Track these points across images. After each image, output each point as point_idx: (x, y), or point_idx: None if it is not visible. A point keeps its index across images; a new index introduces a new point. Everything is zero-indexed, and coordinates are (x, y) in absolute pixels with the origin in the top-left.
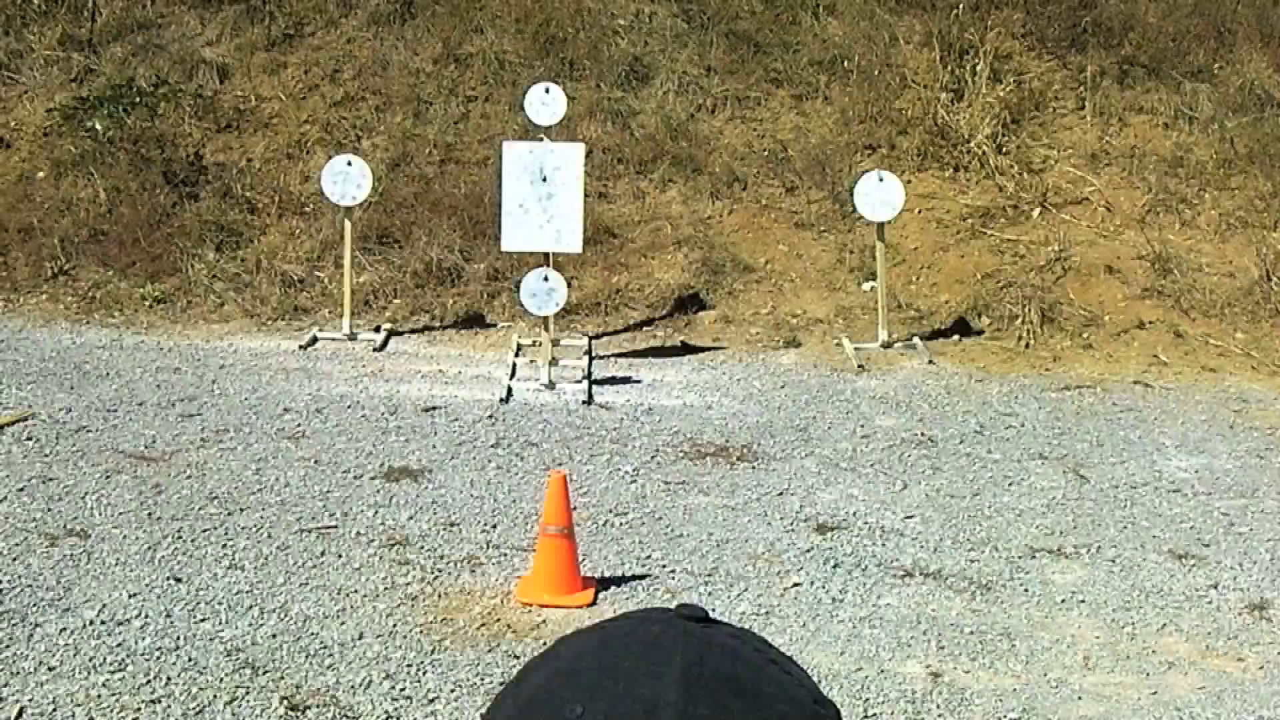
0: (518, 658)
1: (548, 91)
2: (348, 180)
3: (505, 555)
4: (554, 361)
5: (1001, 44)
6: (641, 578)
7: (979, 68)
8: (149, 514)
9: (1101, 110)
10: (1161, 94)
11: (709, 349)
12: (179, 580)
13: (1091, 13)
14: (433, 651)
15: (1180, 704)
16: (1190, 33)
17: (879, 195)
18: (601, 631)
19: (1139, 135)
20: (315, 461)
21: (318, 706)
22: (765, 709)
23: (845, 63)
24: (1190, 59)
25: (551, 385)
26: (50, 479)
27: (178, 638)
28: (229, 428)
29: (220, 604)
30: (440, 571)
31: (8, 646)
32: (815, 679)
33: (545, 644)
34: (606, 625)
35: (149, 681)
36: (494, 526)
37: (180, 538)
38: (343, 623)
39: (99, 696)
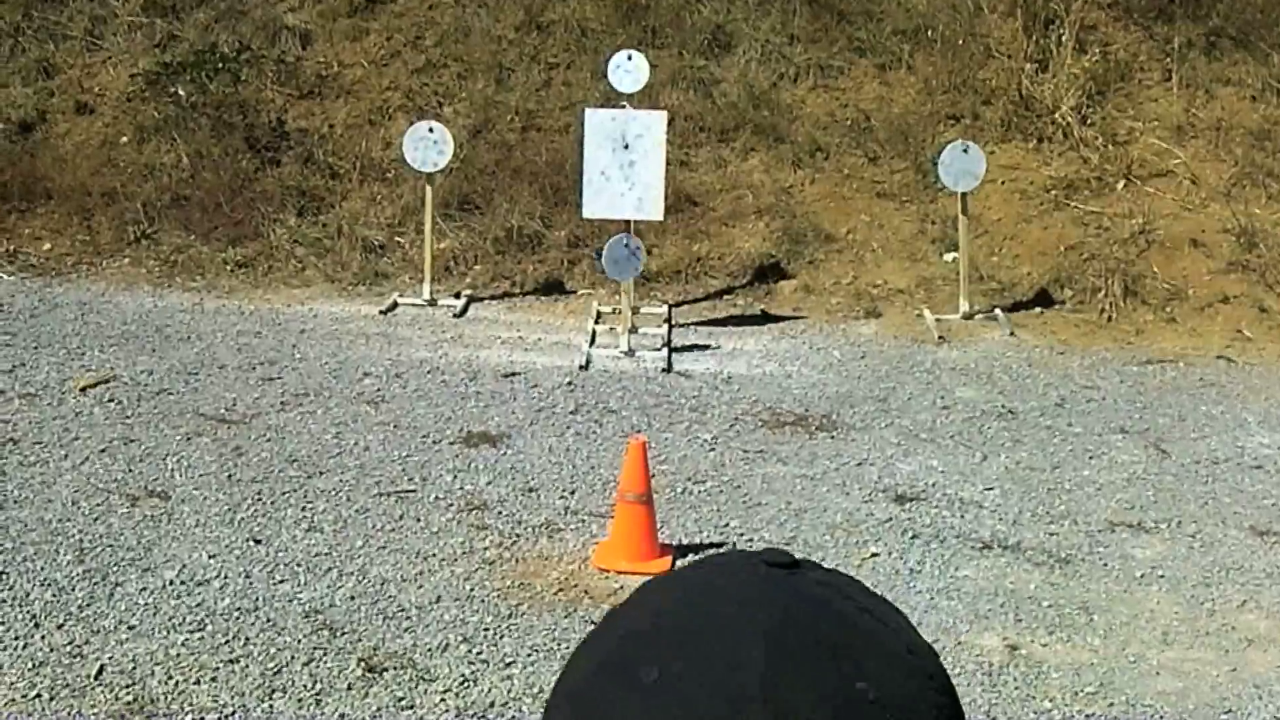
0: (594, 623)
1: (630, 59)
2: (429, 146)
3: (583, 521)
4: (634, 329)
5: (1087, 14)
6: (719, 545)
7: (1064, 38)
8: (229, 476)
9: (1188, 82)
10: (1249, 66)
11: (789, 318)
12: (258, 542)
13: None
14: (510, 616)
15: (1259, 681)
16: (1279, 4)
17: (962, 165)
18: (683, 584)
19: (1226, 107)
20: (394, 426)
21: (395, 669)
22: (854, 667)
23: (929, 32)
24: (1279, 30)
25: (631, 353)
26: (131, 440)
27: (257, 599)
28: (309, 392)
29: (299, 566)
30: (518, 537)
31: (89, 605)
32: None
33: None
34: (688, 576)
35: (228, 641)
36: (572, 492)
37: (260, 500)
38: (420, 586)
39: (178, 656)
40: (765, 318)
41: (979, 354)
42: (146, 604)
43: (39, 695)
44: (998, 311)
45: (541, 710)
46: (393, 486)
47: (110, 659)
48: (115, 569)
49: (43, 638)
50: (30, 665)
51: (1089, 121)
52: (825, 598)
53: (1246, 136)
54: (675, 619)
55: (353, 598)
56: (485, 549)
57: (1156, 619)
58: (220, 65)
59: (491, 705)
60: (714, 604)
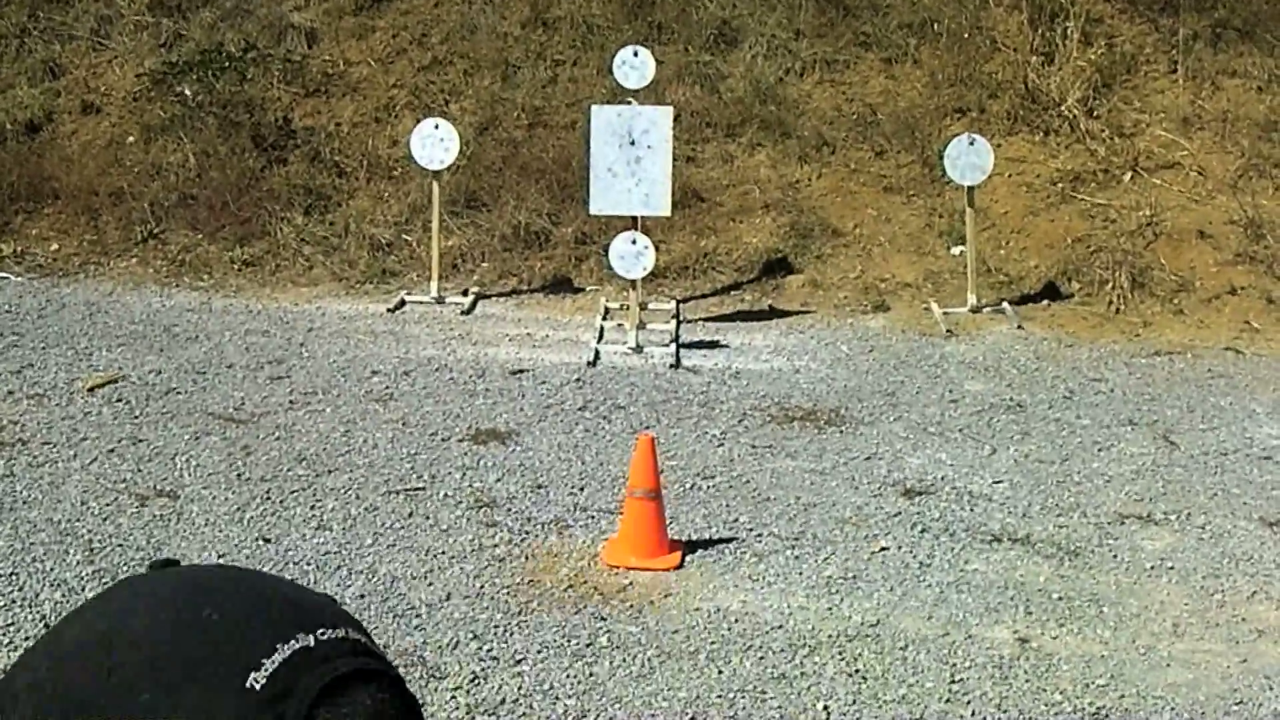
0: (604, 619)
1: (636, 55)
2: (436, 144)
3: (592, 518)
4: (641, 325)
5: (1093, 6)
6: (728, 541)
7: (1070, 30)
8: (238, 475)
9: (1194, 74)
10: (1255, 57)
11: (797, 313)
12: (267, 541)
13: None
14: (520, 613)
15: (1270, 672)
16: None
17: (969, 159)
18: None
19: (1232, 99)
20: (403, 424)
21: (405, 666)
22: (203, 598)
23: (935, 26)
24: None
25: (639, 349)
26: (140, 440)
27: None
28: (317, 390)
29: (308, 564)
30: (527, 534)
31: None
32: (903, 644)
33: (631, 606)
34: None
35: None
36: (581, 489)
37: (269, 499)
38: (430, 584)
39: None
40: (773, 313)
41: (987, 347)
42: None
43: None
44: (1005, 304)
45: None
46: (402, 484)
47: None
48: (125, 569)
49: None
50: None
51: (1095, 114)
52: (195, 572)
53: (1253, 128)
54: (65, 625)
55: (362, 596)
56: (495, 546)
57: (1167, 610)
58: (226, 64)
59: (502, 702)
60: (89, 605)
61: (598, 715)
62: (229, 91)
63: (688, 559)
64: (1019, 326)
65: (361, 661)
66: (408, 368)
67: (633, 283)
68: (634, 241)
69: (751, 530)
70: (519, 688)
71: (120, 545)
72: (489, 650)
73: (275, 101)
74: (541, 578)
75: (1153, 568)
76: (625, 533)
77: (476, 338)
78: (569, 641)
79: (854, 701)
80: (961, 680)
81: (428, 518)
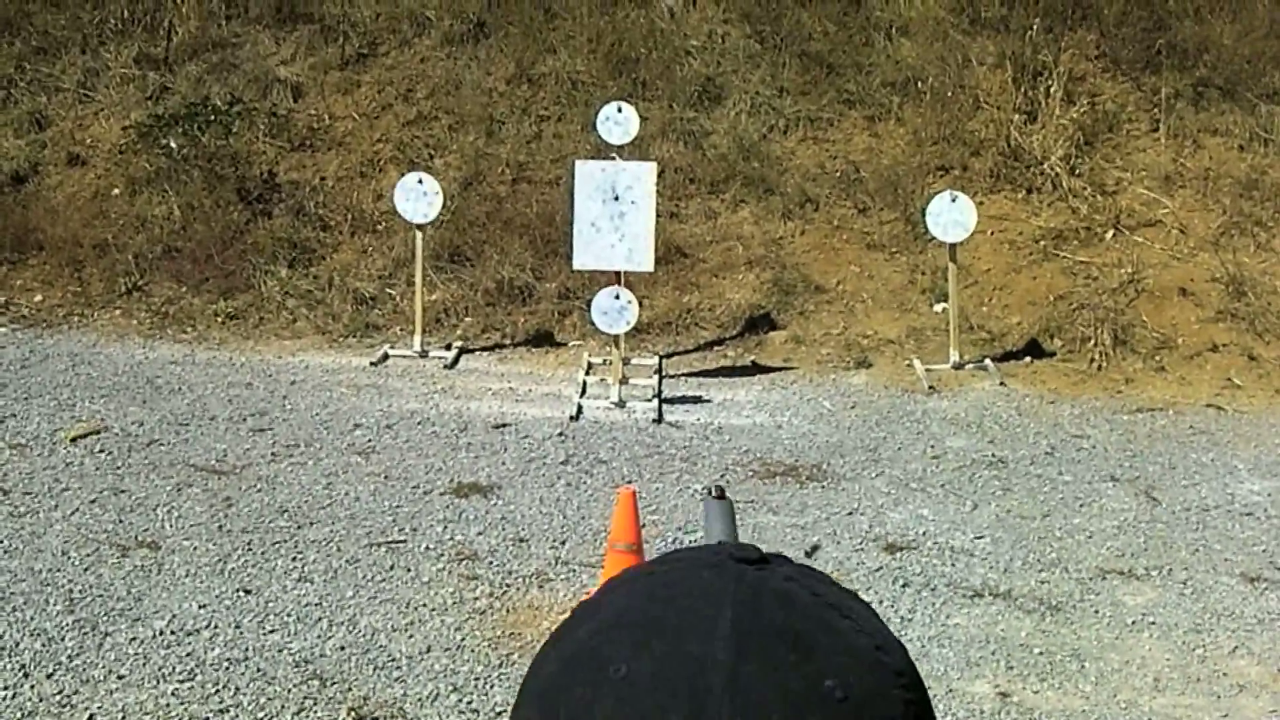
0: None
1: (620, 110)
2: (419, 198)
3: (574, 571)
4: (624, 380)
5: (1075, 65)
6: None
7: (1052, 89)
8: (219, 527)
9: (1176, 132)
10: (1236, 116)
11: (779, 369)
12: (248, 592)
13: (1166, 34)
14: (500, 665)
15: None
16: (1266, 54)
17: (951, 216)
18: (649, 579)
19: (1213, 157)
20: (385, 477)
21: (385, 718)
22: (821, 661)
23: (918, 84)
24: (1266, 81)
25: (621, 404)
26: (122, 491)
27: (247, 649)
28: (299, 443)
29: (289, 616)
30: (508, 587)
31: (79, 655)
32: None
33: None
34: (655, 571)
35: (218, 691)
36: (563, 543)
37: (250, 550)
38: (411, 636)
39: (168, 705)
40: (756, 369)
41: (969, 403)
42: (136, 654)
43: None
44: (988, 361)
45: None
46: (383, 537)
47: (100, 709)
48: (105, 619)
49: (32, 688)
50: (19, 715)
51: (1077, 172)
52: (792, 593)
53: (1234, 186)
54: (643, 613)
55: (343, 648)
56: (476, 599)
57: (1148, 666)
58: (212, 117)
59: None
60: (681, 599)
61: None
62: (214, 145)
63: None
64: (1001, 383)
65: None
66: (390, 421)
67: (615, 338)
68: (617, 297)
69: None
70: None
71: (101, 595)
72: (469, 703)
73: (260, 155)
74: (522, 630)
75: (1134, 623)
76: None
77: (459, 392)
78: None
79: None
80: None
81: (409, 570)
